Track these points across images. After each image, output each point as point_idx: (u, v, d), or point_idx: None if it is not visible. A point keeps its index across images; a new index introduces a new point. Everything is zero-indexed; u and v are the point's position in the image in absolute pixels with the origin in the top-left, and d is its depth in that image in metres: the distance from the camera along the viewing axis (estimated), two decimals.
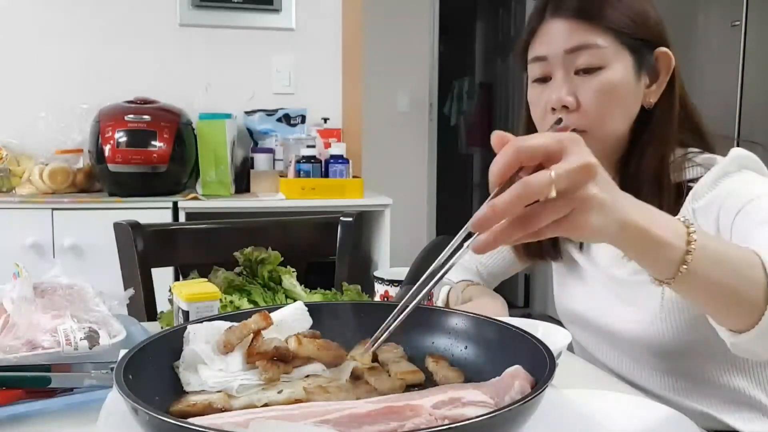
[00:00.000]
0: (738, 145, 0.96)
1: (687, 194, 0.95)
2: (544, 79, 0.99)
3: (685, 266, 0.63)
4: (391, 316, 0.66)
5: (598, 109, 0.95)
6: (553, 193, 0.54)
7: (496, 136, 0.57)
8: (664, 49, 0.98)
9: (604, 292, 1.05)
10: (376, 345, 0.67)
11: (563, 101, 0.95)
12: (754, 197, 0.87)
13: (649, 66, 0.98)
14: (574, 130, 0.96)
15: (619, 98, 0.96)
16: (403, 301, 0.67)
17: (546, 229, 0.57)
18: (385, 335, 0.66)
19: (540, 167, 0.55)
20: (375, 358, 0.75)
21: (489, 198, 0.56)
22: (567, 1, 0.96)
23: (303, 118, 2.71)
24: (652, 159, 0.97)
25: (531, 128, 1.05)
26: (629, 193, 0.99)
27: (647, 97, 0.99)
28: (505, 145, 0.55)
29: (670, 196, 0.96)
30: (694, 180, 0.96)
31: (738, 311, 0.67)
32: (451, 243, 0.61)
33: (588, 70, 0.95)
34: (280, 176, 2.53)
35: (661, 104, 0.99)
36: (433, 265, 0.63)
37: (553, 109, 0.97)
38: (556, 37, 0.96)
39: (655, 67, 0.98)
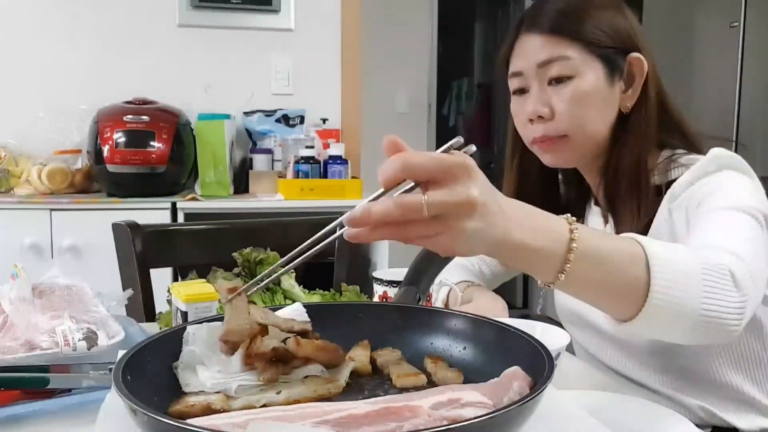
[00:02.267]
0: (736, 148, 0.97)
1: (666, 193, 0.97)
2: (522, 91, 1.05)
3: (562, 273, 0.65)
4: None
5: (571, 115, 1.00)
6: (426, 217, 0.55)
7: (388, 141, 0.58)
8: (636, 54, 1.02)
9: None
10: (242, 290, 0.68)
11: (538, 112, 1.02)
12: (714, 191, 0.91)
13: (621, 71, 1.02)
14: (556, 137, 1.01)
15: (591, 104, 1.00)
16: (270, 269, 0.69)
17: (416, 241, 0.58)
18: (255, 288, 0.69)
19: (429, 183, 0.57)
20: (373, 362, 0.75)
21: (370, 197, 0.57)
22: (539, 18, 1.02)
23: (302, 119, 2.71)
24: (628, 160, 1.00)
25: (517, 138, 1.11)
26: (610, 196, 1.02)
27: (624, 102, 1.03)
28: (394, 155, 0.57)
29: (648, 196, 0.98)
30: (675, 180, 0.97)
31: (618, 305, 0.70)
32: (327, 228, 0.62)
33: (560, 80, 1.00)
34: (279, 177, 2.53)
35: (637, 107, 1.03)
36: (306, 243, 0.64)
37: (531, 120, 1.03)
38: (529, 51, 1.02)
39: (630, 72, 1.02)
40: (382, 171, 0.57)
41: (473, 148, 0.63)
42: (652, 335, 0.73)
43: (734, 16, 2.77)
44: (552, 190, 1.17)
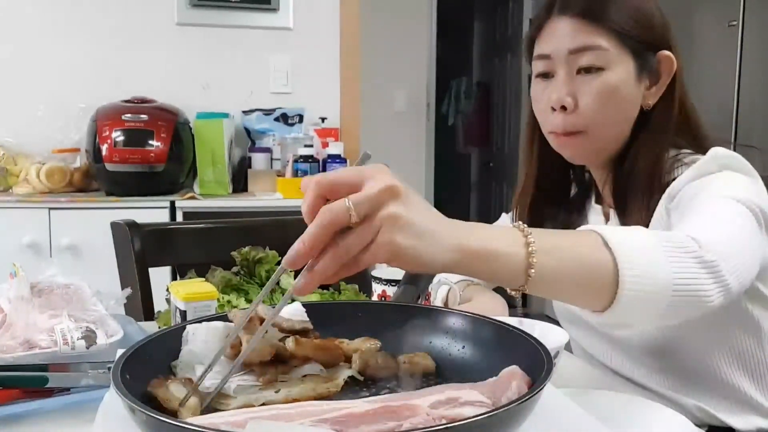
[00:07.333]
0: (734, 148, 0.96)
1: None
2: (547, 75, 1.01)
3: (532, 269, 0.64)
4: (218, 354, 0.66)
5: (595, 110, 0.97)
6: (354, 217, 0.55)
7: (303, 180, 0.59)
8: (666, 52, 0.99)
9: None
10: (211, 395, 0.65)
11: (561, 102, 0.97)
12: (705, 187, 0.88)
13: (650, 68, 0.99)
14: (573, 132, 0.98)
15: (618, 100, 0.97)
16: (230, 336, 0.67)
17: (361, 258, 0.58)
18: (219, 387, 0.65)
19: None
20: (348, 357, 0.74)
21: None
22: (574, 0, 0.97)
23: (300, 118, 2.71)
24: (646, 160, 0.98)
25: (536, 123, 1.06)
26: (620, 192, 1.00)
27: (646, 99, 1.00)
28: (308, 183, 0.58)
29: (660, 196, 0.96)
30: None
31: (593, 296, 0.69)
32: (268, 282, 0.61)
33: (589, 70, 0.96)
34: (278, 175, 2.53)
35: (660, 107, 1.00)
36: (253, 306, 0.64)
37: (553, 108, 0.99)
38: (560, 35, 0.98)
39: (657, 69, 0.99)
40: (303, 202, 0.58)
41: (369, 154, 0.65)
42: (633, 318, 0.72)
43: (733, 15, 2.77)
44: (569, 179, 1.13)
